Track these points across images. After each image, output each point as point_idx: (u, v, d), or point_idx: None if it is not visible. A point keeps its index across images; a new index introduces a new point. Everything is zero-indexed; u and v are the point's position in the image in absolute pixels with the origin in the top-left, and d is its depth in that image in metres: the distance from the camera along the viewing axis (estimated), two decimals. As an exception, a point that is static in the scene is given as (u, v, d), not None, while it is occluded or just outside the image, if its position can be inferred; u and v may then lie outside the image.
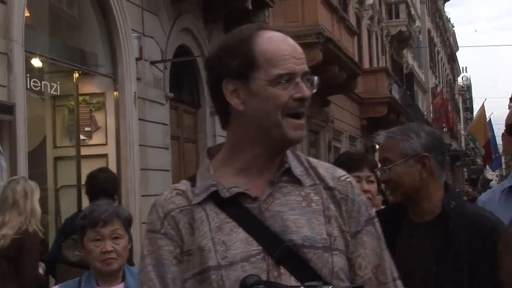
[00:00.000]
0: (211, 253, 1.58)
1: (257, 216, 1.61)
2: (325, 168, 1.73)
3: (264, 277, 1.54)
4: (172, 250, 1.63)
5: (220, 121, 1.73)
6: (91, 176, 5.24)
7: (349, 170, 3.10)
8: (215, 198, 1.63)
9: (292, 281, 1.55)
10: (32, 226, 4.62)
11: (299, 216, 1.61)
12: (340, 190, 1.69)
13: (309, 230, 1.60)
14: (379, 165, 2.52)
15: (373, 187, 3.11)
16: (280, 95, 1.61)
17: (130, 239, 2.89)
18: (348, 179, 1.73)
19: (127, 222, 2.86)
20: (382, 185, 3.22)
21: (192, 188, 1.67)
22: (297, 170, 1.68)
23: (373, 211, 1.76)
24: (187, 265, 1.61)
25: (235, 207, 1.62)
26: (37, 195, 4.83)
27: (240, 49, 1.64)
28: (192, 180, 1.70)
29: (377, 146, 2.55)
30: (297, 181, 1.67)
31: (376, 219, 1.74)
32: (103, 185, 4.97)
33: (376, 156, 2.63)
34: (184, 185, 1.70)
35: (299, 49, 1.68)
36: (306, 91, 1.64)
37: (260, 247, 1.58)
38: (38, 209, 4.75)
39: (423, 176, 2.42)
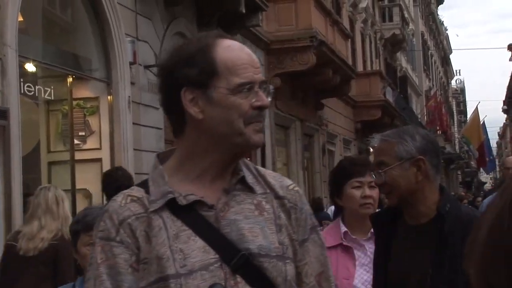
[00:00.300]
0: (169, 261, 1.56)
1: (214, 225, 1.61)
2: (273, 177, 1.75)
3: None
4: (128, 258, 1.59)
5: (172, 128, 1.72)
6: (107, 175, 5.39)
7: (351, 175, 3.11)
8: (170, 205, 1.61)
9: None
10: (66, 232, 4.66)
11: (254, 225, 1.63)
12: (290, 199, 1.72)
13: (264, 239, 1.62)
14: (375, 169, 2.52)
15: (375, 193, 3.10)
16: (241, 103, 1.61)
17: None
18: (295, 188, 1.75)
19: None
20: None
21: (147, 195, 1.64)
22: (249, 178, 1.70)
23: (315, 220, 1.79)
24: (142, 274, 1.58)
25: (191, 215, 1.62)
26: (67, 202, 5.05)
27: (199, 57, 1.63)
28: (144, 186, 1.67)
29: (372, 150, 2.55)
30: (249, 190, 1.68)
31: (319, 228, 1.79)
32: (121, 181, 4.98)
33: (371, 159, 2.62)
34: (137, 191, 1.67)
35: (255, 58, 1.70)
36: (265, 99, 1.65)
37: (217, 256, 1.58)
38: (69, 216, 4.88)
39: (419, 179, 2.42)
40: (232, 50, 1.65)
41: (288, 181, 1.76)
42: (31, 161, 7.91)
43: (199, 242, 1.58)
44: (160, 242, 1.57)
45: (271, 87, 1.72)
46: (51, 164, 8.66)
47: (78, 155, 8.52)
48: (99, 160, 8.79)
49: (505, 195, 0.73)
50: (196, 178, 1.65)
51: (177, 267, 1.55)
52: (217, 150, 1.65)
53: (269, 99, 1.69)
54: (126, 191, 1.68)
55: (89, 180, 8.60)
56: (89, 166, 8.76)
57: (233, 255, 1.58)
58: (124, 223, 1.60)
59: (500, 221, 0.70)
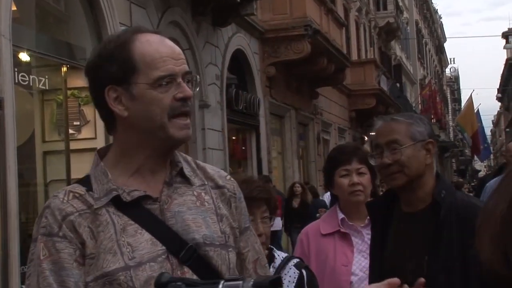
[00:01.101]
0: (117, 255, 1.57)
1: (159, 217, 1.64)
2: (212, 168, 1.79)
3: None
4: (72, 253, 1.58)
5: (105, 127, 1.73)
6: None
7: (338, 164, 3.12)
8: (115, 201, 1.63)
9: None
10: None
11: (197, 216, 1.66)
12: (229, 188, 1.76)
13: (207, 228, 1.65)
14: (384, 148, 2.45)
15: (364, 179, 3.10)
16: (162, 97, 1.62)
17: None
18: (232, 179, 1.80)
19: None
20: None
21: (89, 192, 1.65)
22: (186, 170, 1.72)
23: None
24: (88, 269, 1.58)
25: (136, 209, 1.63)
26: None
27: (118, 54, 1.63)
28: (85, 183, 1.69)
29: (377, 130, 2.52)
30: (188, 182, 1.71)
31: (250, 217, 1.86)
32: None
33: (369, 144, 2.60)
34: (78, 188, 1.67)
35: (177, 49, 1.68)
36: (188, 90, 1.64)
37: (164, 248, 1.60)
38: None
39: (427, 162, 2.44)
40: (150, 44, 1.65)
41: (224, 173, 1.81)
42: (26, 151, 7.90)
43: (146, 235, 1.60)
44: (108, 237, 1.58)
45: (197, 77, 1.72)
46: (46, 154, 8.64)
47: (73, 145, 8.50)
48: (94, 149, 8.67)
49: None
50: (135, 172, 1.67)
51: (125, 260, 1.57)
52: (148, 145, 1.66)
53: (196, 89, 1.69)
54: (68, 187, 1.69)
55: (84, 169, 8.39)
56: (84, 155, 8.72)
57: (180, 246, 1.61)
58: (66, 219, 1.60)
59: None
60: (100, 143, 8.73)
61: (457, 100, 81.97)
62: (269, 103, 15.09)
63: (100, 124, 8.73)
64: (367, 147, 20.66)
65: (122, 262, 1.56)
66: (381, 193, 3.02)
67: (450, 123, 60.26)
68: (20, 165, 6.88)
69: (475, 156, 36.57)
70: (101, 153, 1.74)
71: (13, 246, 6.51)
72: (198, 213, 1.66)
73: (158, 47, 1.64)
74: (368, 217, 2.90)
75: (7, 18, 6.80)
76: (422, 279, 1.72)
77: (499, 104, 77.87)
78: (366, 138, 24.20)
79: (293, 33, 14.53)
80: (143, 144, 1.66)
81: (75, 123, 8.70)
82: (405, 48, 39.61)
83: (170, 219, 1.63)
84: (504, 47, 63.15)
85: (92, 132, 8.82)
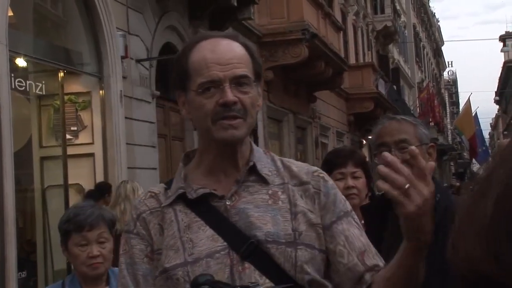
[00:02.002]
0: (179, 251, 1.66)
1: (223, 214, 1.69)
2: (299, 166, 1.80)
3: (227, 271, 1.63)
4: (143, 248, 1.72)
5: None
6: None
7: (333, 167, 3.12)
8: (185, 199, 1.71)
9: (256, 275, 1.63)
10: None
11: (264, 213, 1.69)
12: (314, 184, 1.76)
13: (273, 226, 1.67)
14: (393, 147, 2.44)
15: (359, 183, 3.10)
16: (205, 103, 1.67)
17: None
18: (321, 174, 1.79)
19: (112, 224, 2.81)
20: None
21: (166, 191, 1.76)
22: (265, 169, 1.75)
23: (349, 206, 1.80)
24: (157, 264, 1.69)
25: (203, 206, 1.70)
26: (141, 191, 5.95)
27: (179, 61, 1.74)
28: (168, 183, 1.79)
29: (383, 129, 2.51)
30: (264, 181, 1.74)
31: (353, 212, 1.80)
32: None
33: (373, 144, 2.58)
34: (158, 188, 1.80)
35: (229, 54, 1.70)
36: (229, 96, 1.66)
37: (225, 243, 1.65)
38: None
39: None
40: (200, 51, 1.71)
41: (313, 168, 1.82)
42: (23, 156, 7.90)
43: (208, 232, 1.67)
44: (171, 234, 1.68)
45: (249, 80, 1.71)
46: (43, 159, 8.63)
47: (70, 150, 8.50)
48: (91, 155, 8.77)
49: (505, 166, 0.70)
50: (209, 172, 1.75)
51: (186, 256, 1.65)
52: (210, 146, 1.73)
53: (249, 92, 1.69)
54: (150, 187, 1.83)
55: (81, 175, 8.59)
56: (82, 161, 8.74)
57: (241, 242, 1.65)
58: (140, 217, 1.74)
59: (509, 190, 0.67)
60: (97, 148, 8.73)
61: (455, 103, 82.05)
62: (267, 107, 15.08)
63: (97, 129, 8.77)
64: (365, 151, 20.65)
65: (182, 258, 1.65)
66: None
67: (449, 126, 60.30)
68: (17, 170, 6.88)
69: (474, 159, 36.57)
70: (190, 156, 1.84)
71: (10, 251, 6.50)
72: (267, 211, 1.69)
73: (205, 54, 1.69)
74: (363, 221, 2.89)
75: (4, 24, 6.80)
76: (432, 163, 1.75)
77: (497, 107, 77.95)
78: (364, 141, 24.20)
79: (290, 37, 14.54)
80: (208, 145, 1.74)
81: (72, 128, 8.70)
82: (403, 51, 39.64)
83: (234, 216, 1.68)
84: (502, 50, 63.24)
85: (90, 137, 8.82)
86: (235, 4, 11.26)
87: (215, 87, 1.67)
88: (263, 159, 1.77)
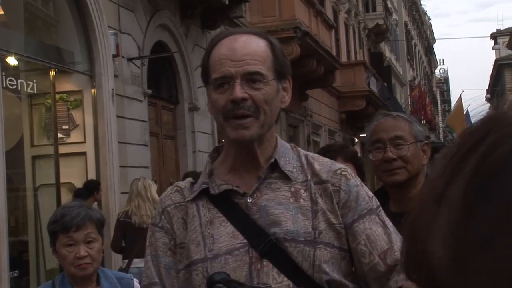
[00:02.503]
0: (200, 246, 1.67)
1: (244, 211, 1.68)
2: (322, 163, 1.76)
3: (246, 269, 1.62)
4: (167, 242, 1.74)
5: None
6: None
7: None
8: (209, 194, 1.72)
9: (275, 273, 1.62)
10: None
11: (285, 211, 1.67)
12: (334, 183, 1.72)
13: (293, 224, 1.65)
14: (388, 143, 2.45)
15: None
16: (217, 99, 1.68)
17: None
18: (343, 172, 1.75)
19: (100, 224, 2.79)
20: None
21: (192, 185, 1.77)
22: (288, 166, 1.73)
23: (375, 202, 1.76)
24: (180, 257, 1.71)
25: (225, 202, 1.71)
26: (154, 188, 6.78)
27: (204, 57, 1.75)
28: (196, 177, 1.82)
29: (379, 125, 2.51)
30: (287, 177, 1.71)
31: (380, 209, 1.76)
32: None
33: (368, 141, 2.57)
34: (185, 182, 1.81)
35: (242, 51, 1.68)
36: (238, 92, 1.64)
37: (245, 241, 1.65)
38: (157, 197, 6.41)
39: (424, 163, 2.49)
40: (219, 47, 1.71)
41: (338, 165, 1.78)
42: (14, 155, 7.87)
43: (229, 228, 1.68)
44: (193, 229, 1.70)
45: (261, 77, 1.68)
46: (35, 158, 8.61)
47: (62, 149, 8.48)
48: (83, 153, 8.75)
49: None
50: (232, 168, 1.75)
51: (206, 251, 1.66)
52: (231, 142, 1.74)
53: (262, 88, 1.67)
54: (177, 182, 1.87)
55: (73, 173, 8.57)
56: (73, 159, 8.72)
57: (261, 240, 1.64)
58: (165, 211, 1.76)
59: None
60: (89, 147, 8.72)
61: (447, 101, 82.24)
62: (259, 105, 15.08)
63: (89, 128, 8.75)
64: (357, 148, 20.67)
65: (203, 253, 1.66)
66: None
67: (440, 124, 60.47)
68: (8, 169, 6.85)
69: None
70: (220, 149, 1.84)
71: (2, 250, 6.48)
72: (289, 209, 1.67)
73: (221, 50, 1.70)
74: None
75: (-5, 22, 6.77)
76: None
77: (488, 104, 78.20)
78: (356, 139, 24.24)
79: (282, 35, 14.50)
80: (229, 142, 1.75)
81: (64, 127, 8.67)
82: (394, 49, 39.70)
83: (255, 213, 1.67)
84: (493, 48, 63.47)
85: (81, 136, 8.80)
86: (227, 2, 11.25)
87: (228, 83, 1.66)
88: (288, 154, 1.75)
